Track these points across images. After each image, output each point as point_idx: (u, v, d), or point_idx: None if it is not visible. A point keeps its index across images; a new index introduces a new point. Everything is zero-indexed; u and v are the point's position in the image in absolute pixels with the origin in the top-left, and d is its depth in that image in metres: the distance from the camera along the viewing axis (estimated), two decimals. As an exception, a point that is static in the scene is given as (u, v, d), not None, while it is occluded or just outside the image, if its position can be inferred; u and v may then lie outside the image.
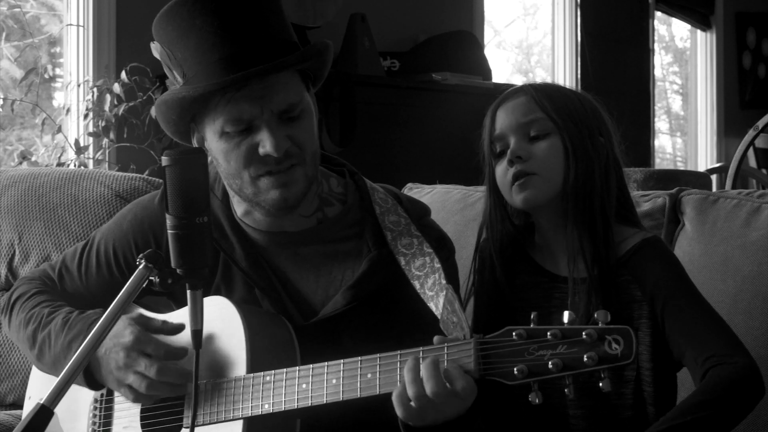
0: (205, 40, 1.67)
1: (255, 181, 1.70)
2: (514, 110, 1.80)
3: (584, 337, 1.41)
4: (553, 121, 1.77)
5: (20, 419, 2.07)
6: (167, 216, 1.50)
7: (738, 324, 1.96)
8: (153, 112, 3.62)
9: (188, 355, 1.71)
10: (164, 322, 1.75)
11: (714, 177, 5.55)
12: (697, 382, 1.66)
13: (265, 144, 1.67)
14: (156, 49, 1.73)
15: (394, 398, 1.51)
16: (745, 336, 1.95)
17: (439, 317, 1.62)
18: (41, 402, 1.44)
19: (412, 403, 1.50)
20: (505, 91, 1.86)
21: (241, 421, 1.65)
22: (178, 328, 1.72)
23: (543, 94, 1.80)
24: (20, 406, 2.14)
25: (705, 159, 7.65)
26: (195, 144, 1.76)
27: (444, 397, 1.47)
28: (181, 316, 1.78)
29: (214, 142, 1.71)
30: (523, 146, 1.77)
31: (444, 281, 1.66)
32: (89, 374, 1.74)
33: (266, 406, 1.63)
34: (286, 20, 1.75)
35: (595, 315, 1.43)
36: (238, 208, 1.82)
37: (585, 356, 1.41)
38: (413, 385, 1.49)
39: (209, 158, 1.78)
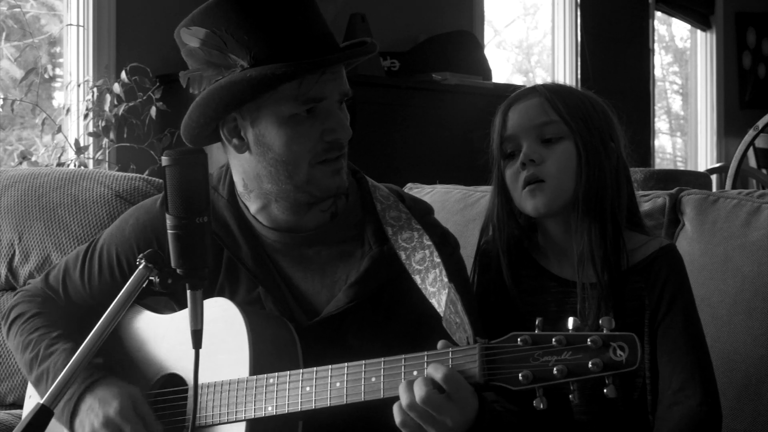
0: (291, 22, 1.70)
1: (312, 168, 1.71)
2: (528, 111, 1.77)
3: (589, 343, 1.41)
4: (567, 124, 1.75)
5: (20, 419, 2.07)
6: (167, 216, 1.49)
7: (738, 324, 1.96)
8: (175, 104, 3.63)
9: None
10: (155, 421, 1.73)
11: (714, 177, 5.54)
12: (662, 409, 1.69)
13: (335, 128, 1.70)
14: (196, 35, 1.69)
15: (395, 413, 1.51)
16: (745, 336, 1.95)
17: (441, 315, 1.61)
18: (41, 402, 1.44)
19: (409, 414, 1.49)
20: (514, 91, 1.83)
21: (243, 423, 1.65)
22: None
23: (557, 96, 1.77)
24: (20, 406, 2.14)
25: (705, 159, 7.65)
26: (224, 136, 1.74)
27: (435, 402, 1.48)
28: (183, 316, 1.77)
29: (274, 129, 1.69)
30: (536, 149, 1.75)
31: (446, 279, 1.66)
32: (73, 416, 1.73)
33: (269, 408, 1.62)
34: None
35: (600, 321, 1.43)
36: (253, 204, 1.80)
37: (590, 363, 1.41)
38: (405, 394, 1.50)
39: (225, 163, 1.79)
